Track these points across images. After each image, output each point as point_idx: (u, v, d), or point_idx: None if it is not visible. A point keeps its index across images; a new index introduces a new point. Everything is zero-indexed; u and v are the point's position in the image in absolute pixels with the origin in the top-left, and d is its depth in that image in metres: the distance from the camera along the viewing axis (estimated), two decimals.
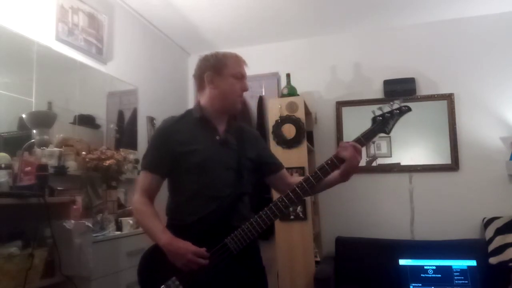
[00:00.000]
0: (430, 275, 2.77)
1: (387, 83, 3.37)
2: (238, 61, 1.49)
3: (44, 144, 1.98)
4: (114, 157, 2.29)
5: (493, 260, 2.72)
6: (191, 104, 3.98)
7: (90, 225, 1.81)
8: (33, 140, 1.93)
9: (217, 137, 1.46)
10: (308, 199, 2.90)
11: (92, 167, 2.20)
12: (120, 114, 2.89)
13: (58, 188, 1.93)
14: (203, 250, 1.30)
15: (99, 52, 2.64)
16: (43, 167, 1.78)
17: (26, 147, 1.84)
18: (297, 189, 1.35)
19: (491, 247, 2.79)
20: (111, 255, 1.95)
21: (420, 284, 2.76)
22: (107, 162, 2.23)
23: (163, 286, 1.33)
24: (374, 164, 3.33)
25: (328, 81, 3.62)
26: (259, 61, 3.45)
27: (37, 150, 1.96)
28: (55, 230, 1.72)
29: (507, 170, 3.08)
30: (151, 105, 3.28)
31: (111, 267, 1.94)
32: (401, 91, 3.32)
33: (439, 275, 2.76)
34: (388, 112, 1.38)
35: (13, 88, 2.00)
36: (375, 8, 3.17)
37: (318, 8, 3.14)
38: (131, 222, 2.20)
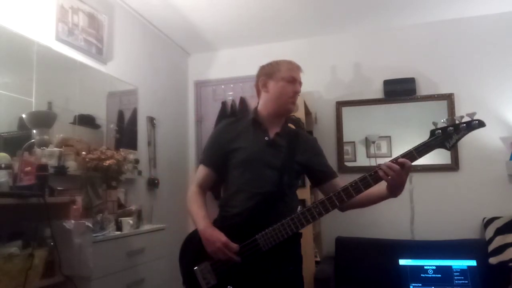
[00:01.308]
0: (430, 275, 2.77)
1: (387, 83, 3.37)
2: (290, 66, 1.58)
3: (44, 144, 1.97)
4: (114, 157, 2.29)
5: (493, 260, 2.72)
6: (191, 104, 3.99)
7: (90, 225, 1.81)
8: (33, 140, 1.93)
9: (266, 138, 1.54)
10: (308, 199, 2.90)
11: (92, 167, 2.20)
12: (120, 114, 2.89)
13: (58, 188, 1.92)
14: (234, 244, 1.38)
15: (99, 52, 2.65)
16: (43, 167, 1.78)
17: (26, 147, 1.84)
18: (333, 197, 1.37)
19: (491, 247, 2.79)
20: (111, 255, 1.95)
21: (420, 284, 2.76)
22: (107, 162, 2.23)
23: (196, 267, 1.44)
24: (375, 164, 3.33)
25: (328, 81, 3.62)
26: (259, 61, 3.43)
27: (37, 150, 1.96)
28: (55, 230, 1.72)
29: (507, 170, 3.08)
30: (151, 105, 3.28)
31: (111, 267, 1.94)
32: (401, 91, 3.33)
33: (439, 275, 2.76)
34: (452, 126, 1.26)
35: (13, 88, 2.00)
36: (375, 8, 3.17)
37: (318, 8, 3.14)
38: (131, 222, 2.20)
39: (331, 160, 3.49)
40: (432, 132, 1.28)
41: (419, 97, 3.34)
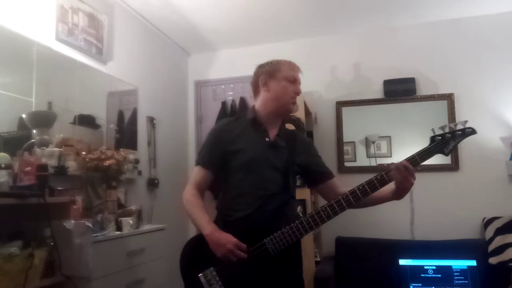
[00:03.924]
0: (430, 275, 2.77)
1: (387, 83, 3.37)
2: (291, 66, 1.58)
3: (44, 144, 1.98)
4: (114, 157, 2.29)
5: (493, 260, 2.72)
6: (191, 104, 3.99)
7: (90, 225, 1.81)
8: (33, 140, 1.93)
9: (267, 139, 1.53)
10: (308, 199, 2.90)
11: (92, 167, 2.20)
12: (120, 114, 2.89)
13: (58, 188, 1.92)
14: (244, 245, 1.35)
15: (99, 52, 2.65)
16: (43, 167, 1.78)
17: (26, 147, 1.84)
18: (342, 200, 1.37)
19: (491, 247, 2.78)
20: (111, 255, 1.95)
21: (420, 284, 2.76)
22: (107, 162, 2.23)
23: (201, 274, 1.39)
24: (374, 164, 3.33)
25: (328, 81, 3.62)
26: (259, 61, 3.43)
27: (37, 150, 1.96)
28: (55, 230, 1.72)
29: (507, 170, 3.07)
30: (151, 105, 3.28)
31: (111, 267, 1.94)
32: (401, 91, 3.33)
33: (439, 275, 2.76)
34: (449, 133, 1.34)
35: (13, 88, 2.00)
36: (375, 8, 3.17)
37: (318, 8, 3.14)
38: (131, 222, 2.20)
39: (331, 160, 3.51)
40: (432, 138, 1.36)
41: (419, 97, 3.35)
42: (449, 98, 3.28)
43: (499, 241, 2.77)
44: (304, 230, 1.36)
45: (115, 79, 2.81)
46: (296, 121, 2.99)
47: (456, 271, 2.74)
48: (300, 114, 3.02)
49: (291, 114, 2.98)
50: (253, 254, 1.36)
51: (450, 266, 2.76)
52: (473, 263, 2.73)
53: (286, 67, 1.56)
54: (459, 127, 1.32)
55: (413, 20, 3.38)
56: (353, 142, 3.50)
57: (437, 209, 3.20)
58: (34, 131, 1.98)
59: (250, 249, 1.35)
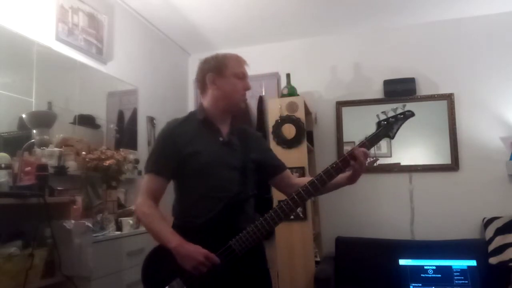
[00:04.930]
0: (430, 275, 2.77)
1: (387, 83, 3.37)
2: (239, 61, 1.51)
3: (44, 144, 1.98)
4: (114, 157, 2.29)
5: (493, 260, 2.72)
6: (191, 104, 3.99)
7: (90, 225, 1.81)
8: (33, 140, 1.93)
9: (221, 139, 1.47)
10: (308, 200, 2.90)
11: (92, 167, 2.20)
12: (120, 114, 2.89)
13: (58, 188, 1.92)
14: (214, 256, 1.30)
15: (99, 52, 2.65)
16: (43, 167, 1.78)
17: (26, 147, 1.84)
18: (302, 192, 1.35)
19: (491, 247, 2.79)
20: (111, 255, 1.96)
21: (420, 284, 2.76)
22: (107, 162, 2.23)
23: (167, 287, 1.34)
24: (375, 164, 3.33)
25: (328, 81, 3.62)
26: (259, 61, 3.43)
27: (37, 150, 1.96)
28: (55, 230, 1.72)
29: (507, 170, 3.07)
30: (151, 105, 3.28)
31: (111, 267, 1.94)
32: (401, 91, 3.33)
33: (439, 275, 2.76)
34: (392, 117, 1.39)
35: (13, 88, 2.00)
36: (375, 8, 3.17)
37: (318, 8, 3.14)
38: (131, 222, 2.20)
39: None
40: (379, 124, 1.41)
41: (419, 97, 3.34)
42: (449, 98, 3.28)
43: (499, 241, 2.77)
44: (269, 226, 1.34)
45: (115, 79, 2.81)
46: (296, 121, 3.00)
47: (456, 271, 2.74)
48: (300, 114, 3.02)
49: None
50: (220, 257, 1.31)
51: (450, 266, 2.76)
52: (473, 263, 2.73)
53: (233, 63, 1.48)
54: (399, 111, 1.38)
55: (413, 20, 3.38)
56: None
57: (437, 209, 3.20)
58: (34, 131, 1.98)
59: (217, 253, 1.31)
